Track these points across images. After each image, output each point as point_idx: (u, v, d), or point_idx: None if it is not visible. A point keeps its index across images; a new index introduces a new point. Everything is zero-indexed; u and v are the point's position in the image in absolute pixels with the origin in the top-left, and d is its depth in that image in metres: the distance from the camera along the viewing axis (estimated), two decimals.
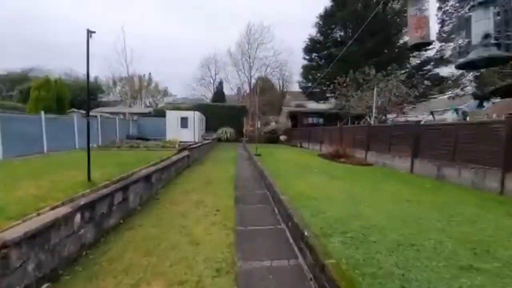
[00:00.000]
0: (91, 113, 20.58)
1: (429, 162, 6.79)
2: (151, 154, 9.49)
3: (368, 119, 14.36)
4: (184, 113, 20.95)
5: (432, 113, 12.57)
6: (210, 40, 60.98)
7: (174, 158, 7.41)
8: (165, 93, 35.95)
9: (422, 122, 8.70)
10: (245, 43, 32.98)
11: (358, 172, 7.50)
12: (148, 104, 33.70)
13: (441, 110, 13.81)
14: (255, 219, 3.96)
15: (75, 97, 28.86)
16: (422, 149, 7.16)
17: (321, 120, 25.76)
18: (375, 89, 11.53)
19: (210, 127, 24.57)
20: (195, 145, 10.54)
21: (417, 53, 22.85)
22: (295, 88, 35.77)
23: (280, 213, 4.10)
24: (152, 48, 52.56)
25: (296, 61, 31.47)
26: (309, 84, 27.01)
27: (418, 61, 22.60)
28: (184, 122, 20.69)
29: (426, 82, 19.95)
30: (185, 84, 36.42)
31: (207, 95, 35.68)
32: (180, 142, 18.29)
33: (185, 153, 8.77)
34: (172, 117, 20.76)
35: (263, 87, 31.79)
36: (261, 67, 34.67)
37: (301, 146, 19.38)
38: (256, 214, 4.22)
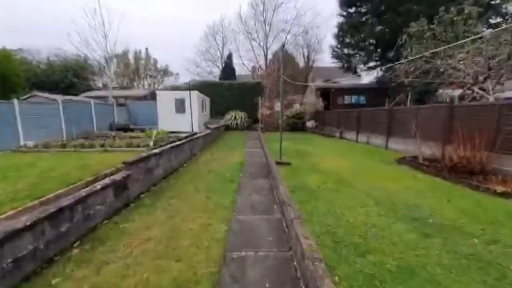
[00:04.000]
0: (51, 97, 16.09)
1: None
2: (93, 163, 5.96)
3: (479, 91, 8.15)
4: (180, 94, 15.59)
5: None
6: (215, 8, 51.87)
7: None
8: (166, 71, 30.67)
9: None
10: (260, 2, 26.18)
11: None
12: (146, 87, 28.85)
13: None
14: None
15: (61, 79, 24.94)
16: None
17: (362, 99, 19.51)
18: None
19: (217, 111, 19.48)
20: (162, 148, 5.30)
21: None
22: (324, 61, 28.85)
23: None
24: (149, 24, 46.03)
25: (326, 23, 24.30)
26: (346, 51, 20.21)
27: None
28: (180, 106, 15.41)
29: None
30: (187, 59, 30.61)
31: (215, 72, 29.86)
32: (172, 133, 13.28)
33: (115, 178, 3.58)
34: (165, 100, 15.54)
35: (283, 60, 25.31)
36: (280, 34, 27.89)
37: (341, 137, 13.52)
38: None
